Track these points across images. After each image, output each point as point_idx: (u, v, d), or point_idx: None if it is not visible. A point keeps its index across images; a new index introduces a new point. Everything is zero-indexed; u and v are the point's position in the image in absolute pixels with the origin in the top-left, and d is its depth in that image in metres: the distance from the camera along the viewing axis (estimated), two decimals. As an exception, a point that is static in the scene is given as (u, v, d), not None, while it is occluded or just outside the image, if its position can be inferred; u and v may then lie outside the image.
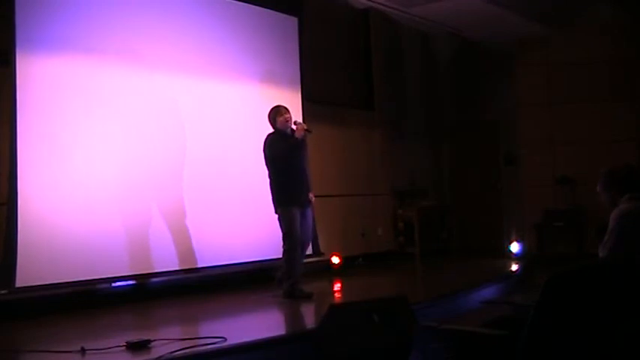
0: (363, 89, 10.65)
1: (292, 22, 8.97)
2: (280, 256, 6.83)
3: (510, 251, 10.29)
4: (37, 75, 6.32)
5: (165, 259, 7.15)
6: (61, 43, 6.55)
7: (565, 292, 2.95)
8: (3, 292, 5.90)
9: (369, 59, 10.70)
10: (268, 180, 6.80)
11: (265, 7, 8.53)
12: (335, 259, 9.06)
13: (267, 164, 6.78)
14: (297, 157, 6.79)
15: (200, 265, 7.46)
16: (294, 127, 6.75)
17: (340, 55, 10.24)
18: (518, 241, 10.39)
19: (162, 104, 7.35)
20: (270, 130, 6.87)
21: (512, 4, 9.52)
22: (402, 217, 10.65)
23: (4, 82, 6.18)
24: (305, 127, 6.72)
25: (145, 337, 4.73)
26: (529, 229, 10.75)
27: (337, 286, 8.13)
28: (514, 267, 9.26)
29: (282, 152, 6.68)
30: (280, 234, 6.76)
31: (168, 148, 7.36)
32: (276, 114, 6.83)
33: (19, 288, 5.98)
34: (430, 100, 11.90)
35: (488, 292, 7.43)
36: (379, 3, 9.79)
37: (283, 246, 6.70)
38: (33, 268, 6.06)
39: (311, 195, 6.96)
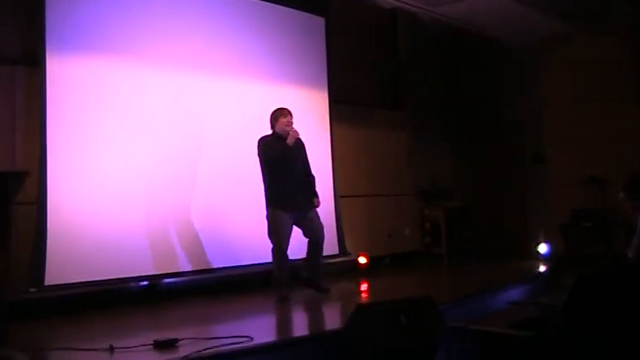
0: (390, 89, 10.63)
1: (319, 22, 8.97)
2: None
3: (537, 252, 10.20)
4: (66, 75, 6.39)
5: (192, 259, 7.18)
6: (90, 44, 6.60)
7: (593, 293, 2.93)
8: (32, 290, 5.96)
9: (395, 59, 10.68)
10: (262, 182, 6.73)
11: (292, 8, 8.55)
12: (362, 260, 9.05)
13: (260, 166, 6.71)
14: (291, 163, 6.67)
15: (226, 264, 7.49)
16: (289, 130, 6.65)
17: (367, 55, 10.22)
18: (545, 242, 10.29)
19: (189, 105, 7.38)
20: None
21: (537, 2, 9.45)
22: (428, 218, 10.61)
23: (34, 83, 6.26)
24: (297, 136, 6.63)
25: (172, 335, 4.75)
26: (556, 229, 10.64)
27: (364, 286, 8.12)
28: (541, 268, 9.18)
29: (275, 156, 6.58)
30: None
31: (196, 148, 7.40)
32: (280, 115, 6.71)
33: (47, 286, 6.05)
34: (456, 100, 11.85)
35: (514, 293, 7.37)
36: (406, 3, 9.77)
37: (271, 248, 6.68)
38: (62, 267, 6.13)
39: (316, 200, 6.91)
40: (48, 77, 6.23)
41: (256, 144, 6.68)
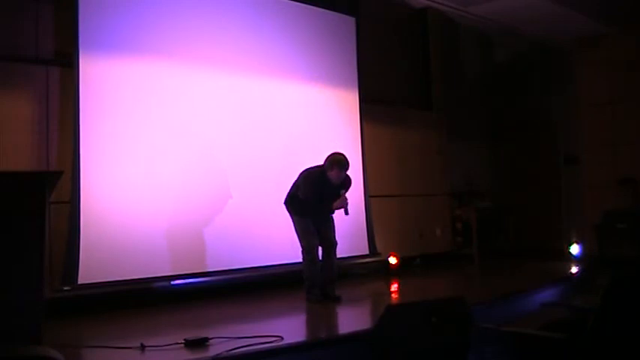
0: (421, 89, 10.59)
1: (349, 21, 8.96)
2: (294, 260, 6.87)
3: (570, 253, 10.11)
4: (99, 76, 6.45)
5: (223, 258, 7.21)
6: (122, 45, 6.67)
7: (627, 296, 2.90)
8: (66, 288, 6.04)
9: (427, 58, 10.62)
10: (290, 188, 6.75)
11: (322, 8, 8.55)
12: (392, 260, 9.01)
13: (292, 187, 6.74)
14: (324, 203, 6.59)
15: (255, 264, 7.51)
16: (341, 188, 6.52)
17: (398, 54, 10.19)
18: (578, 243, 10.20)
19: (219, 107, 7.41)
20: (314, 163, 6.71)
21: (572, 1, 9.36)
22: (460, 218, 10.55)
23: (67, 84, 6.33)
24: (345, 207, 6.47)
25: (202, 334, 4.78)
26: (590, 230, 10.53)
27: (394, 287, 8.09)
28: (574, 269, 9.10)
29: (312, 204, 6.56)
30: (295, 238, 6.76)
31: (227, 148, 7.43)
32: (337, 164, 6.44)
33: (81, 285, 6.12)
34: (488, 100, 11.78)
35: (547, 295, 7.31)
36: (437, 2, 9.73)
37: (301, 250, 6.67)
38: (94, 266, 6.19)
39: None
40: (81, 78, 6.30)
41: (300, 174, 6.69)
